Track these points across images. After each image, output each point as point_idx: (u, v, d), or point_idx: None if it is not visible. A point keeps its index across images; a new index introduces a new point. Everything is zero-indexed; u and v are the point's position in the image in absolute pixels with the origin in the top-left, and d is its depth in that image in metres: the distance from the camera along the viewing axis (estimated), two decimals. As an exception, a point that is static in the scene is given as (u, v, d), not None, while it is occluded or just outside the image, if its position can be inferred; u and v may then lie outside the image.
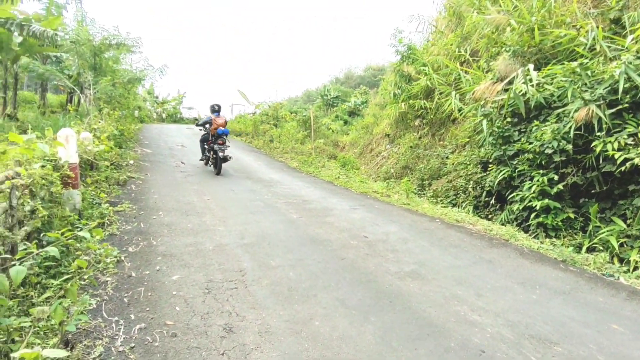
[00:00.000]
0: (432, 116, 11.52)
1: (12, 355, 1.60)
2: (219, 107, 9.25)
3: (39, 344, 2.29)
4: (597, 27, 6.61)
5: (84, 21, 14.74)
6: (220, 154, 8.83)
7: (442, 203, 8.18)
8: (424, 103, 11.58)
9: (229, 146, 9.19)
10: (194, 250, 4.25)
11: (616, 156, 5.03)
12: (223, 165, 9.22)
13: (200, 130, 9.79)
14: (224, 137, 8.92)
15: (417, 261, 4.31)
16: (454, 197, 8.31)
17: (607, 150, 5.17)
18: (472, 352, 2.64)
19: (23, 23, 10.90)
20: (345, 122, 22.34)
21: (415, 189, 9.17)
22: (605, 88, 5.56)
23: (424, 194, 9.27)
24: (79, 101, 16.60)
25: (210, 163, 9.56)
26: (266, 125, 18.14)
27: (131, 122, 14.98)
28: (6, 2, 10.05)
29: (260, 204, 6.58)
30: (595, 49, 6.61)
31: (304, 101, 37.87)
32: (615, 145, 5.10)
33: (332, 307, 3.18)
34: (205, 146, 9.62)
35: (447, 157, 9.72)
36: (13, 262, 2.15)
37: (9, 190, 2.99)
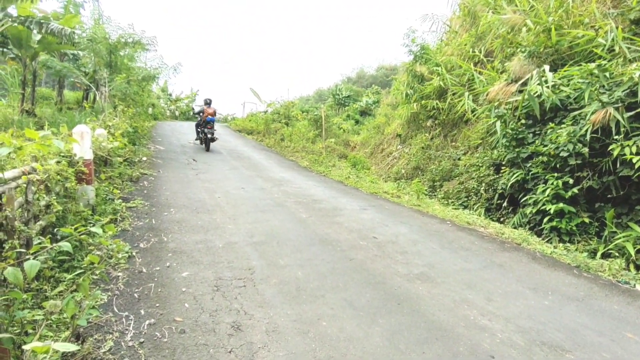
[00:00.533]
0: (444, 117, 11.40)
1: (24, 347, 1.63)
2: (210, 100, 12.32)
3: (51, 336, 2.33)
4: (617, 27, 6.45)
5: (101, 19, 14.96)
6: (209, 135, 11.89)
7: (453, 205, 8.09)
8: (437, 103, 11.46)
9: (216, 130, 12.36)
10: (204, 248, 4.29)
11: (634, 160, 4.90)
12: (211, 144, 12.33)
13: (196, 117, 12.16)
14: (212, 123, 12.00)
15: (426, 263, 4.27)
16: (466, 199, 8.21)
17: (624, 154, 5.05)
18: (481, 357, 2.61)
19: (42, 21, 11.15)
20: (357, 122, 22.30)
21: (426, 190, 9.09)
22: (624, 90, 5.43)
23: (434, 195, 9.19)
24: (94, 98, 16.90)
25: (202, 142, 12.51)
26: (277, 124, 18.18)
27: (145, 119, 15.17)
28: (26, 1, 10.28)
29: (270, 203, 6.60)
30: (614, 50, 6.45)
31: (315, 100, 37.83)
32: (634, 149, 4.98)
33: (339, 308, 3.17)
34: (199, 129, 12.73)
35: (459, 159, 9.61)
36: (27, 256, 2.19)
37: (25, 185, 3.06)
